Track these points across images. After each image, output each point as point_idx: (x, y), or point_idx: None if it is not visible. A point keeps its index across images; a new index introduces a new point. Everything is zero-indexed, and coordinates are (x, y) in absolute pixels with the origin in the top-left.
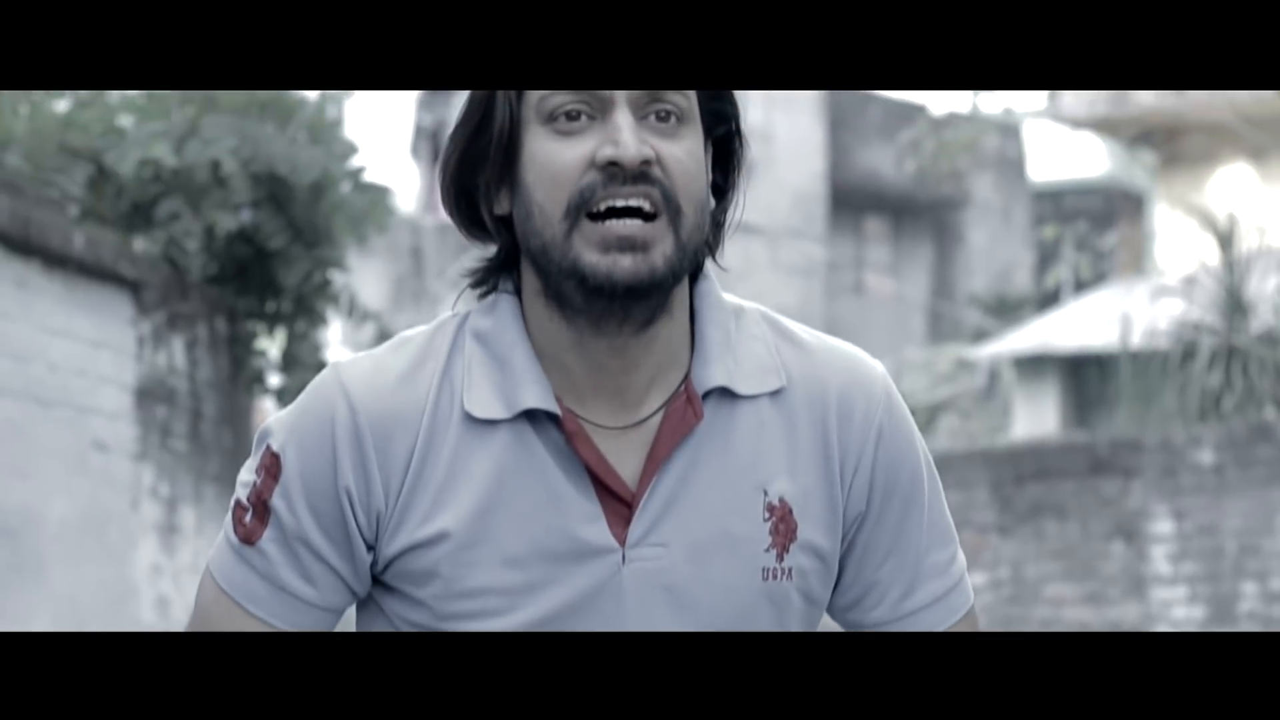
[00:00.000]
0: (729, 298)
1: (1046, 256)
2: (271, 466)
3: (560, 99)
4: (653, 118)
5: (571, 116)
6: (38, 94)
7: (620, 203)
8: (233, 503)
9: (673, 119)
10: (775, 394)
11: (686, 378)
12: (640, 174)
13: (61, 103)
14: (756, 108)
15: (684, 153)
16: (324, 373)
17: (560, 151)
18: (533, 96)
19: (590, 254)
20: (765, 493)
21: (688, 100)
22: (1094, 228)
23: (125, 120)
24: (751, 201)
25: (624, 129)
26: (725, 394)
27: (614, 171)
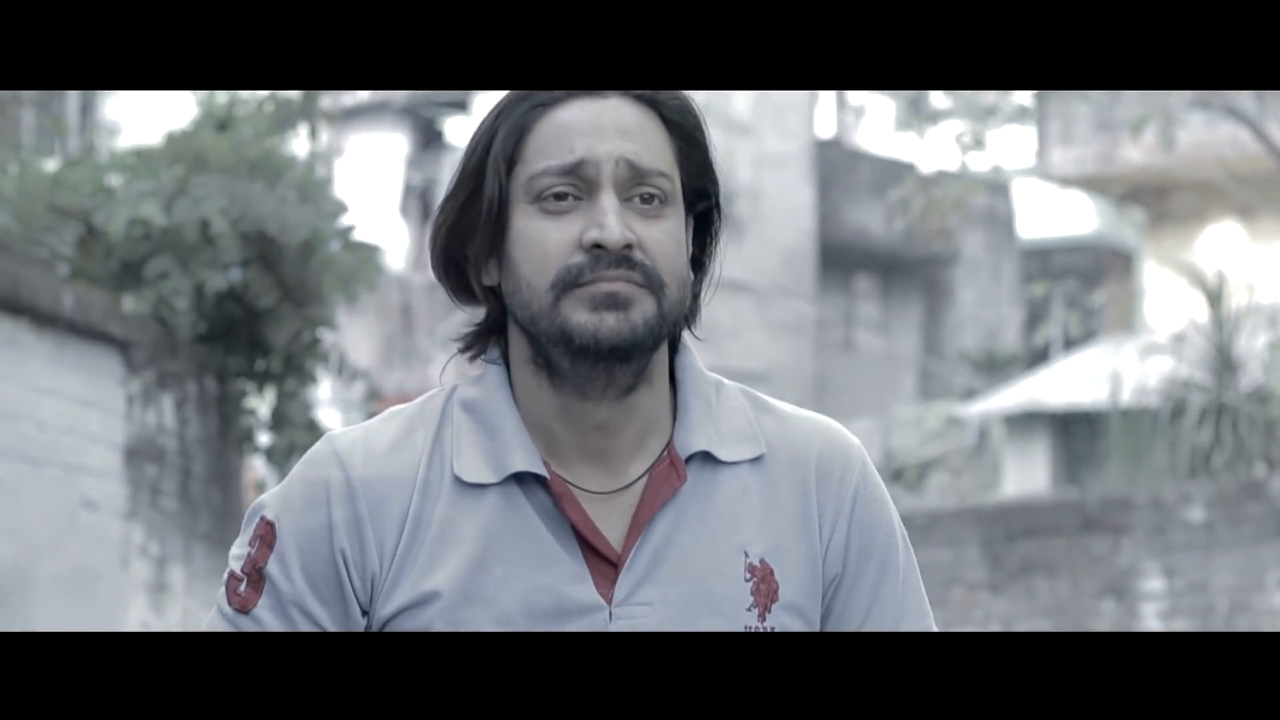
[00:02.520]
0: (709, 373)
1: (1036, 314)
2: (266, 535)
3: (548, 180)
4: (637, 200)
5: (559, 197)
6: (27, 153)
7: (605, 286)
8: (226, 575)
9: (655, 201)
10: (755, 461)
11: (669, 443)
12: (623, 257)
13: (50, 162)
14: (745, 167)
15: (665, 234)
16: (317, 444)
17: (547, 231)
18: (522, 175)
19: (579, 314)
20: (746, 554)
21: (671, 182)
22: (1083, 285)
23: (114, 179)
24: (741, 259)
25: (609, 212)
26: (707, 460)
27: (599, 254)
